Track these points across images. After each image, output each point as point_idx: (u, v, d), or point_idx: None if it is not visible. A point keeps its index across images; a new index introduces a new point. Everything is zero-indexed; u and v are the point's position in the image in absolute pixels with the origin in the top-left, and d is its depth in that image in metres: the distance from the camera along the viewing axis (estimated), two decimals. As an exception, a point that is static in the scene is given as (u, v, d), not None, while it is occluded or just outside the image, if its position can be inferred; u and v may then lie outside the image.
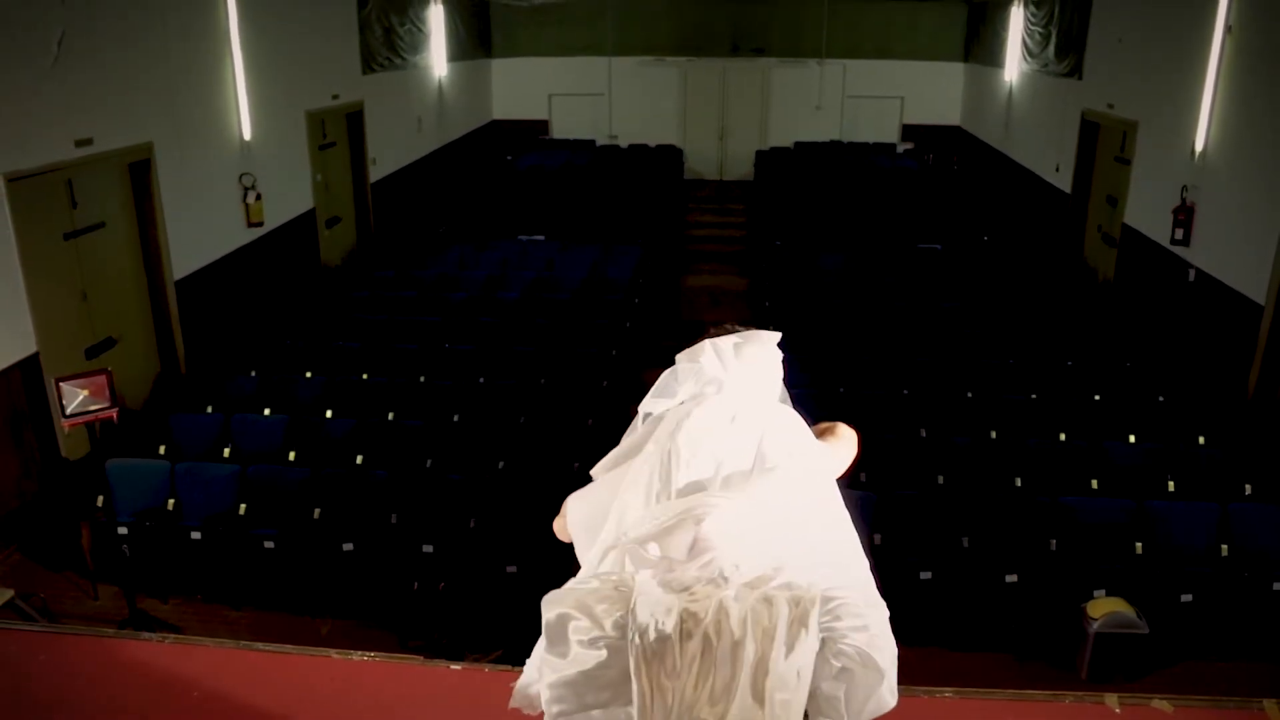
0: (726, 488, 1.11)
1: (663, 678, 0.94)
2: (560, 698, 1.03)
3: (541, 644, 1.05)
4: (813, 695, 1.00)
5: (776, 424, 1.19)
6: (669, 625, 0.94)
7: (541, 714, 1.08)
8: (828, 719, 1.02)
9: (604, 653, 1.00)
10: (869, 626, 1.01)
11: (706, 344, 1.26)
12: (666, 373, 1.28)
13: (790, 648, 0.94)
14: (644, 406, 1.29)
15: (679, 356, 1.29)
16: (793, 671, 0.94)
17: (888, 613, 1.05)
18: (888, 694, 1.02)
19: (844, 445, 1.32)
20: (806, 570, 1.02)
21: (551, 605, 1.04)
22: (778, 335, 1.29)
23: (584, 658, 1.01)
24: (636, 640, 0.95)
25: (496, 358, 5.01)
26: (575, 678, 1.02)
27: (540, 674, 1.05)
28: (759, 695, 0.93)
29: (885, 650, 1.01)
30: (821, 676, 0.98)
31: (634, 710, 0.96)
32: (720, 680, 0.93)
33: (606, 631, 1.00)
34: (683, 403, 1.23)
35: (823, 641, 0.98)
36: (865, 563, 1.13)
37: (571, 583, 1.07)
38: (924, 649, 3.32)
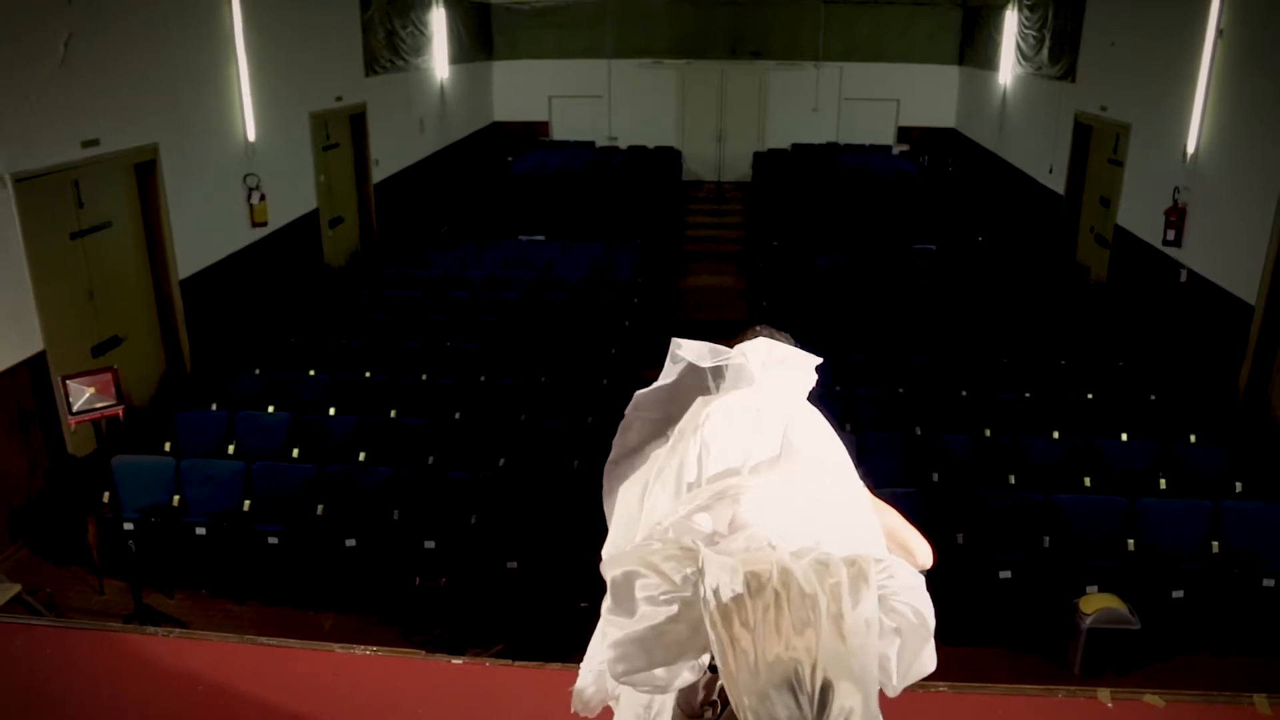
0: (756, 472, 1.12)
1: (737, 628, 0.95)
2: (627, 655, 1.02)
3: (596, 640, 1.06)
4: None
5: (800, 415, 1.22)
6: (738, 583, 0.95)
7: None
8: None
9: (675, 607, 0.99)
10: (919, 585, 1.03)
11: (761, 343, 1.29)
12: (711, 345, 1.32)
13: (856, 600, 0.96)
14: (680, 349, 1.32)
15: (727, 348, 1.32)
16: (862, 621, 0.96)
17: (918, 574, 1.08)
18: (929, 656, 1.04)
19: (885, 513, 1.28)
20: (843, 545, 1.04)
21: (616, 565, 1.03)
22: (819, 360, 1.34)
23: (653, 614, 1.00)
24: (710, 597, 0.95)
25: (497, 356, 5.05)
26: (645, 633, 1.00)
27: (604, 635, 1.04)
28: (841, 635, 0.95)
29: (931, 609, 1.04)
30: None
31: (716, 661, 0.96)
32: (799, 617, 0.94)
33: (677, 586, 0.99)
34: (707, 398, 1.25)
35: (880, 599, 1.00)
36: (884, 544, 1.16)
37: (630, 547, 1.07)
38: (919, 644, 3.36)
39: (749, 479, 1.12)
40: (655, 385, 1.34)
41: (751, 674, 0.95)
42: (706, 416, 1.20)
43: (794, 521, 1.06)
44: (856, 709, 0.95)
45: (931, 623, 1.03)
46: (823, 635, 0.95)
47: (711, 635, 0.97)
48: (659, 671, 1.02)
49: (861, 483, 1.25)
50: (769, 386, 1.27)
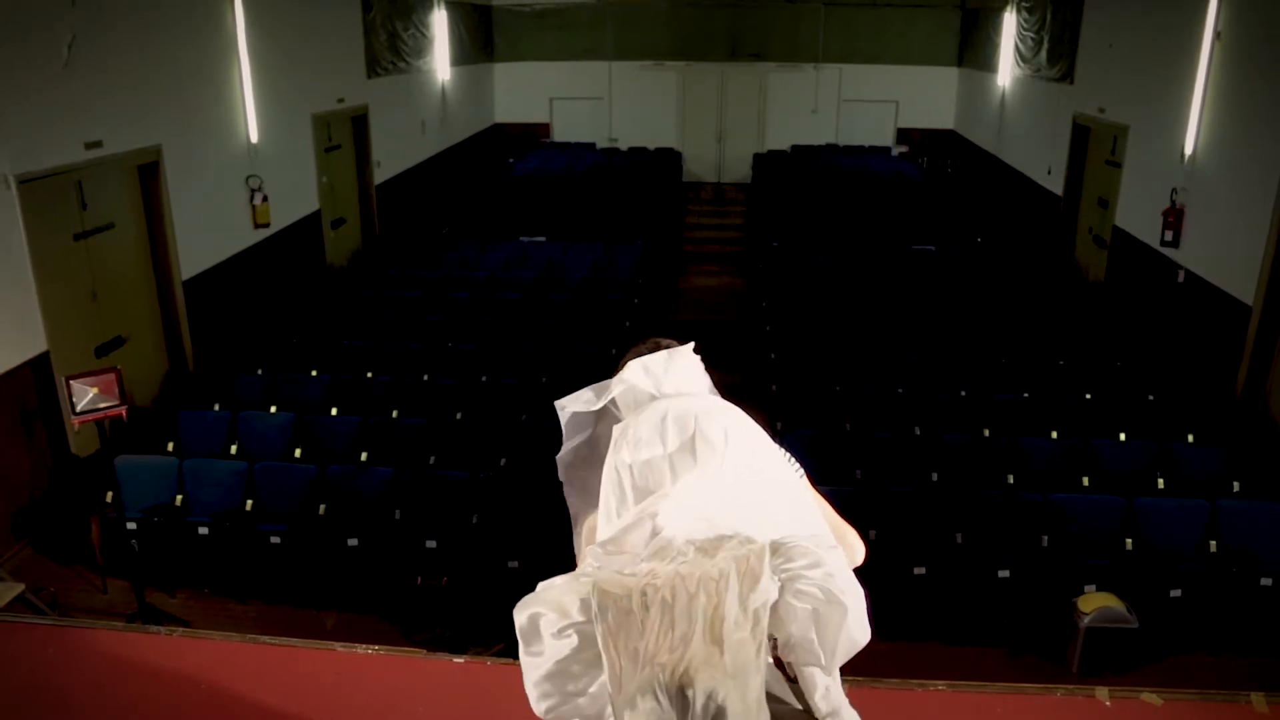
0: (675, 477, 1.13)
1: (629, 644, 0.98)
2: (546, 693, 1.05)
3: (522, 650, 1.07)
4: (790, 645, 1.04)
5: (706, 409, 1.22)
6: (634, 604, 0.97)
7: None
8: (809, 665, 1.05)
9: (575, 639, 1.02)
10: (822, 563, 1.04)
11: (634, 363, 1.29)
12: (592, 386, 1.33)
13: (746, 594, 0.97)
14: (564, 409, 1.33)
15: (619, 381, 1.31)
16: (747, 612, 0.98)
17: (845, 558, 1.09)
18: (857, 630, 1.04)
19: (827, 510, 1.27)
20: (759, 529, 1.05)
21: (522, 609, 1.06)
22: (692, 344, 1.35)
23: (558, 649, 1.03)
24: (599, 618, 0.98)
25: (498, 356, 5.07)
26: (554, 669, 1.04)
27: (525, 676, 1.08)
28: (716, 638, 0.97)
29: (844, 584, 1.04)
30: (790, 621, 1.02)
31: (606, 679, 0.99)
32: (679, 634, 0.97)
33: (574, 618, 1.02)
34: (621, 422, 1.26)
35: (783, 586, 1.02)
36: (821, 519, 1.16)
37: (539, 588, 1.10)
38: (918, 643, 3.37)
39: (667, 488, 1.13)
40: (569, 446, 1.36)
41: (628, 685, 0.98)
42: (620, 438, 1.21)
43: (709, 520, 1.07)
44: (730, 705, 0.97)
45: (845, 599, 1.03)
46: (694, 635, 0.97)
47: (604, 657, 0.99)
48: (581, 701, 1.05)
49: (792, 468, 1.25)
50: (669, 395, 1.27)
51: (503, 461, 4.12)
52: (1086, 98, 7.25)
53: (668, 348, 1.35)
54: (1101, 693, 2.43)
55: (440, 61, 9.81)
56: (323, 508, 3.79)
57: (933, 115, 11.87)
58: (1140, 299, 6.08)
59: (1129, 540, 3.58)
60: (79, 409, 3.24)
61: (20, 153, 3.96)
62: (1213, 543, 3.56)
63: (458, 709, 2.47)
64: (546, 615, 1.04)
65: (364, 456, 4.14)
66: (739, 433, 1.19)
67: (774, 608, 1.02)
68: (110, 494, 3.70)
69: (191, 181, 5.31)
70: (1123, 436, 4.23)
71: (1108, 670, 3.23)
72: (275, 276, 6.28)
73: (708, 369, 1.36)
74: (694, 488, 1.11)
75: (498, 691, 2.51)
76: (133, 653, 2.65)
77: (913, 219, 8.37)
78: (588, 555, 1.12)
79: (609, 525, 1.16)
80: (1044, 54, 8.18)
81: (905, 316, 5.71)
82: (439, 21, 9.65)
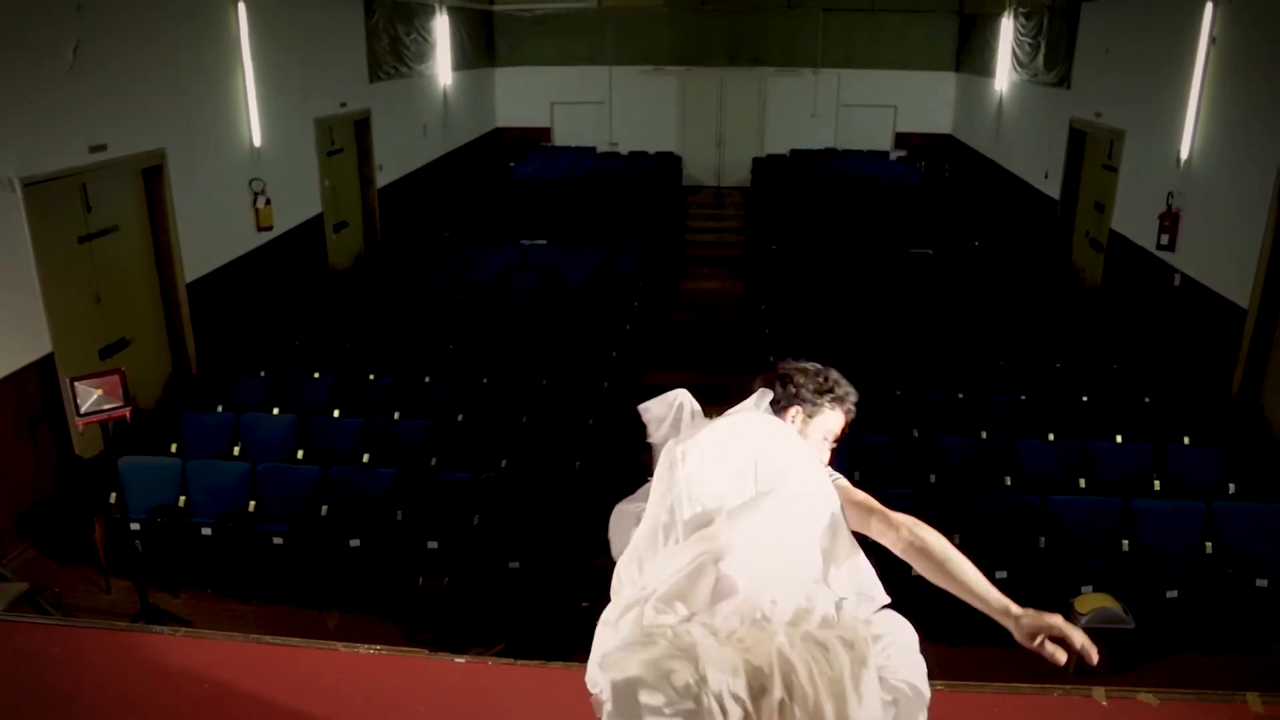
0: (733, 519, 1.14)
1: None
2: None
3: (610, 714, 1.06)
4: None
5: (766, 442, 1.24)
6: (740, 688, 0.98)
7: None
8: None
9: None
10: (913, 653, 1.12)
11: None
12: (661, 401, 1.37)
13: (860, 695, 1.02)
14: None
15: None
16: (868, 715, 1.03)
17: (911, 630, 1.14)
18: (922, 716, 1.13)
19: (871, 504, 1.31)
20: (832, 596, 1.09)
21: (616, 668, 1.05)
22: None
23: None
24: (715, 709, 0.99)
25: (499, 359, 5.09)
26: None
27: None
28: None
29: (924, 677, 1.12)
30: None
31: None
32: None
33: (678, 696, 1.01)
34: (677, 439, 1.29)
35: (880, 678, 1.08)
36: (870, 571, 1.22)
37: (626, 638, 1.08)
38: (916, 643, 3.39)
39: (726, 529, 1.14)
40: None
41: None
42: (681, 456, 1.22)
43: (778, 574, 1.09)
44: None
45: (927, 693, 1.10)
46: None
47: None
48: None
49: (836, 486, 1.28)
50: (736, 417, 1.31)
51: (504, 463, 4.14)
52: (1083, 102, 7.29)
53: (794, 371, 1.44)
54: (1098, 693, 2.45)
55: (442, 66, 9.85)
56: (325, 509, 3.81)
57: (931, 120, 11.92)
58: (1136, 302, 6.11)
59: (1125, 542, 3.60)
60: (83, 410, 3.26)
61: (25, 156, 3.99)
62: (1209, 544, 3.58)
63: (459, 709, 2.48)
64: (648, 689, 1.02)
65: (366, 458, 4.16)
66: (790, 465, 1.21)
67: None
68: (114, 495, 3.72)
69: (195, 184, 5.34)
70: (1119, 439, 4.25)
71: (1105, 670, 3.25)
72: (278, 279, 6.31)
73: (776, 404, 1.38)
74: (757, 539, 1.11)
75: (499, 692, 2.52)
76: (136, 653, 2.66)
77: (911, 223, 8.40)
78: (650, 609, 1.10)
79: (655, 550, 1.15)
80: (1041, 59, 8.23)
81: (903, 319, 5.73)
82: (440, 26, 9.70)
